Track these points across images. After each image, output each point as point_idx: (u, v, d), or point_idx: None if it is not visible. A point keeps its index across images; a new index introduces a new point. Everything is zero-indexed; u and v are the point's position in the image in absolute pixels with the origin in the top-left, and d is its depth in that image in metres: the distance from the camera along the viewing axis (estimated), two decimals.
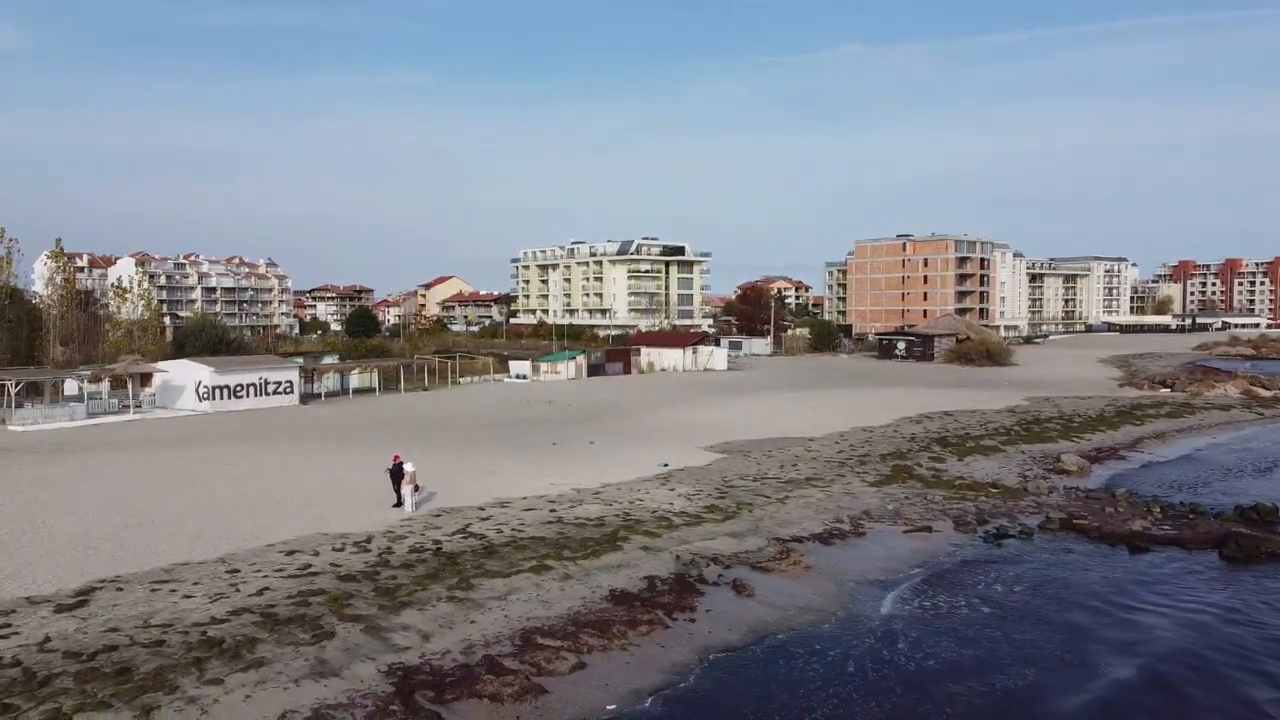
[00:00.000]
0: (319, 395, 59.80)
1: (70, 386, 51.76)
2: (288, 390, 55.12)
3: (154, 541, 24.10)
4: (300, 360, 62.24)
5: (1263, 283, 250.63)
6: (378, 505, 28.41)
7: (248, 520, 26.51)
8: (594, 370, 79.47)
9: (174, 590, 20.18)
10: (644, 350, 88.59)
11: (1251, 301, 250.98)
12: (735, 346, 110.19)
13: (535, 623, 19.47)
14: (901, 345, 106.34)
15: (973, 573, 24.69)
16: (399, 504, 28.03)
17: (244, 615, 18.72)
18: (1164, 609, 22.05)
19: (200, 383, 51.87)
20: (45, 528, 25.35)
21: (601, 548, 24.43)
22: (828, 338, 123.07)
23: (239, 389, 52.74)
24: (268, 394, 54.01)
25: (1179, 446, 46.91)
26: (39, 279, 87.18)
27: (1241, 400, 64.34)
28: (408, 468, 28.37)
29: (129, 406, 50.76)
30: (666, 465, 36.20)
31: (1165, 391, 69.67)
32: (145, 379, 53.56)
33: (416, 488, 28.34)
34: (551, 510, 28.26)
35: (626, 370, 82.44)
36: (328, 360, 68.81)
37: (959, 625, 20.88)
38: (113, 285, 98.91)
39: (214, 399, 51.71)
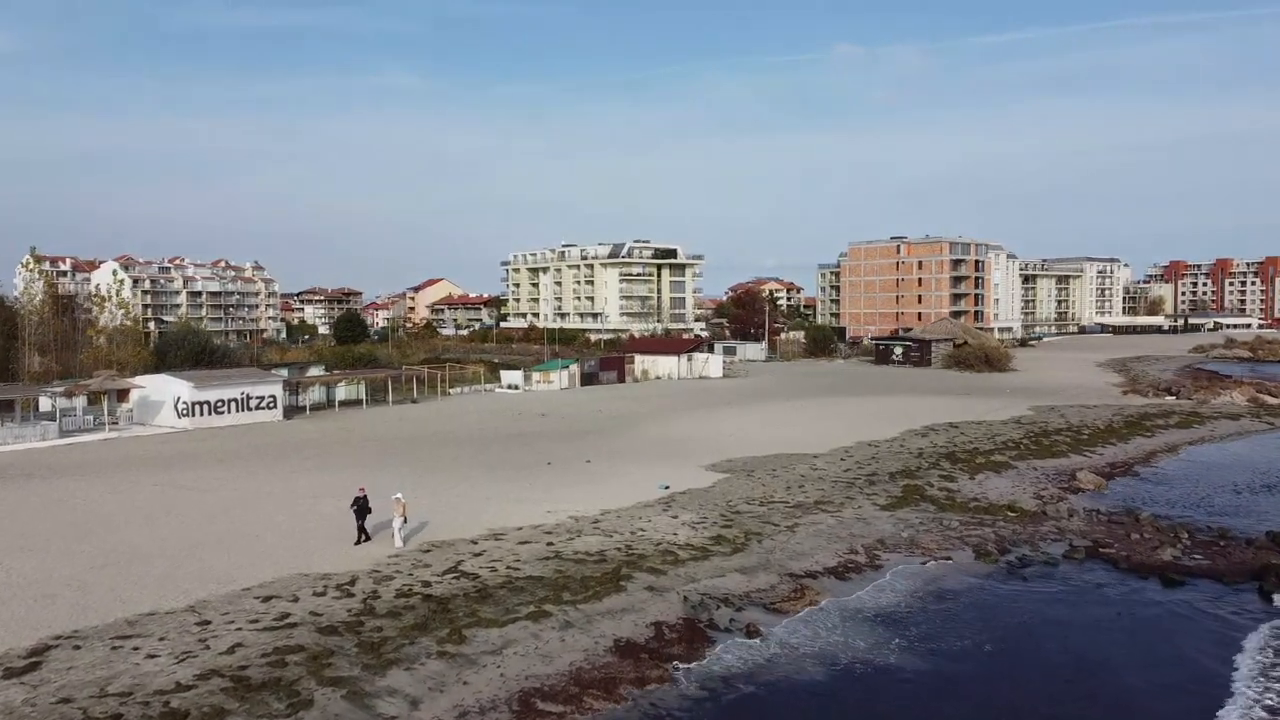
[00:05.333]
0: (304, 408, 57.88)
1: (44, 402, 49.70)
2: (271, 405, 53.16)
3: (120, 586, 22.28)
4: (285, 372, 60.16)
5: (1254, 283, 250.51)
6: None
7: (223, 558, 24.72)
8: (587, 379, 77.72)
9: (137, 648, 18.39)
10: (638, 358, 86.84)
11: (1243, 302, 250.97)
12: (729, 351, 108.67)
13: (534, 682, 17.80)
14: (898, 350, 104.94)
15: (1000, 610, 23.10)
16: (362, 540, 26.13)
17: (213, 679, 16.95)
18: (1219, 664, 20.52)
19: (179, 398, 49.87)
20: (2, 571, 23.48)
21: (604, 588, 22.73)
22: (823, 342, 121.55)
23: (220, 404, 50.77)
24: (250, 409, 52.04)
25: (1193, 460, 45.57)
26: (21, 283, 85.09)
27: (1249, 408, 63.10)
28: (396, 495, 26.61)
29: (105, 424, 48.72)
30: (668, 487, 34.52)
31: (1171, 399, 68.38)
32: (122, 394, 51.55)
33: (405, 519, 26.54)
34: (549, 544, 26.53)
35: (621, 378, 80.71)
36: (314, 370, 66.74)
37: (986, 672, 19.31)
38: (90, 293, 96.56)
39: (194, 415, 49.71)
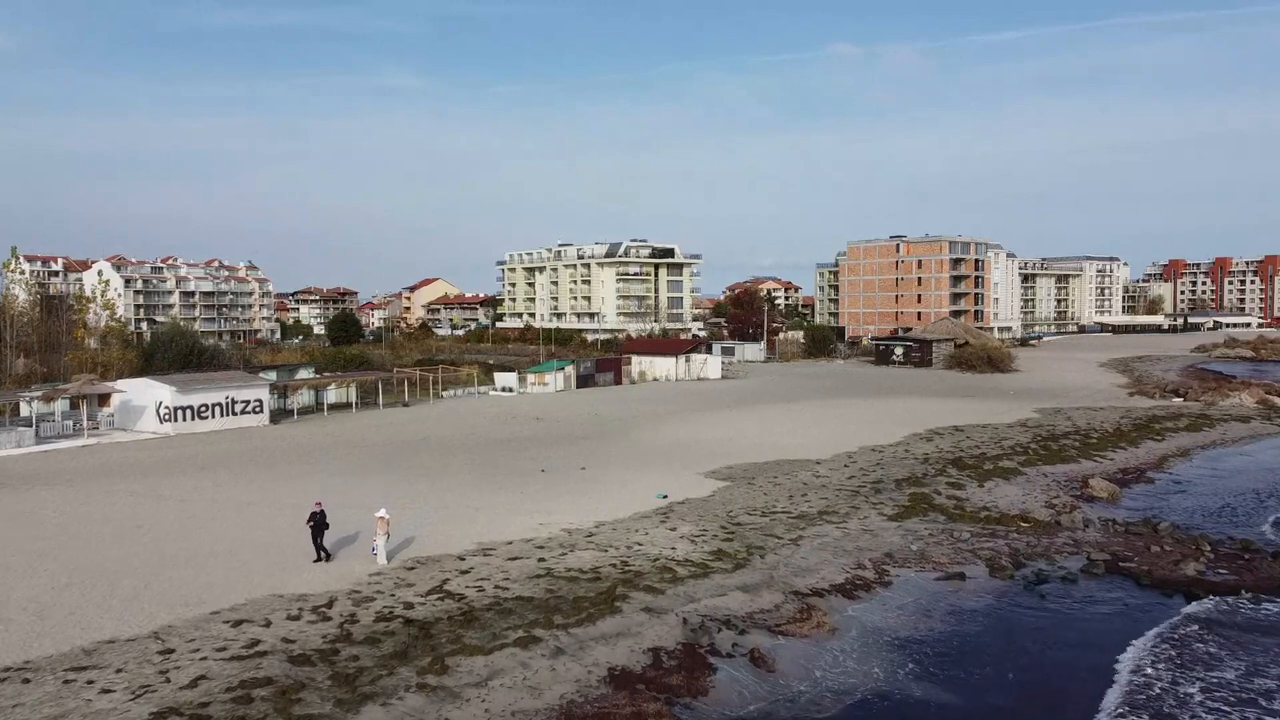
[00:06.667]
0: (291, 413, 56.40)
1: (23, 407, 48.14)
2: (257, 409, 51.63)
3: (80, 609, 20.85)
4: (272, 376, 58.59)
5: (1253, 281, 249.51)
6: (344, 554, 25.24)
7: (194, 577, 23.29)
8: (583, 381, 76.28)
9: (91, 682, 16.96)
10: (635, 359, 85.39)
11: (1242, 300, 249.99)
12: (728, 352, 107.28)
13: (521, 719, 16.38)
14: (899, 350, 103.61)
15: (1020, 633, 21.74)
16: (319, 559, 24.59)
17: (169, 719, 15.53)
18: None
19: (161, 403, 48.32)
20: None
21: (598, 610, 21.31)
22: (822, 342, 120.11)
23: (203, 409, 49.23)
24: (235, 413, 50.50)
25: (1206, 465, 44.29)
26: (12, 284, 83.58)
27: (1259, 410, 61.84)
28: (380, 513, 25.16)
29: (84, 430, 47.17)
30: (665, 497, 33.14)
31: (1178, 401, 67.08)
32: (103, 399, 50.02)
33: (388, 535, 25.08)
34: (540, 560, 25.12)
35: (617, 380, 79.26)
36: (303, 373, 65.21)
37: (1013, 706, 17.94)
38: (75, 293, 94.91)
39: (176, 420, 48.18)
